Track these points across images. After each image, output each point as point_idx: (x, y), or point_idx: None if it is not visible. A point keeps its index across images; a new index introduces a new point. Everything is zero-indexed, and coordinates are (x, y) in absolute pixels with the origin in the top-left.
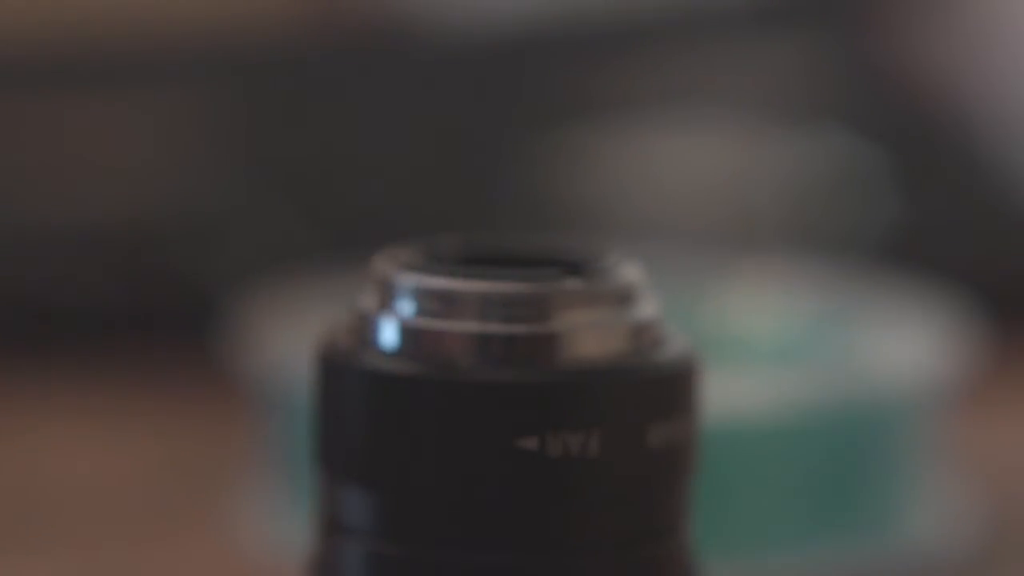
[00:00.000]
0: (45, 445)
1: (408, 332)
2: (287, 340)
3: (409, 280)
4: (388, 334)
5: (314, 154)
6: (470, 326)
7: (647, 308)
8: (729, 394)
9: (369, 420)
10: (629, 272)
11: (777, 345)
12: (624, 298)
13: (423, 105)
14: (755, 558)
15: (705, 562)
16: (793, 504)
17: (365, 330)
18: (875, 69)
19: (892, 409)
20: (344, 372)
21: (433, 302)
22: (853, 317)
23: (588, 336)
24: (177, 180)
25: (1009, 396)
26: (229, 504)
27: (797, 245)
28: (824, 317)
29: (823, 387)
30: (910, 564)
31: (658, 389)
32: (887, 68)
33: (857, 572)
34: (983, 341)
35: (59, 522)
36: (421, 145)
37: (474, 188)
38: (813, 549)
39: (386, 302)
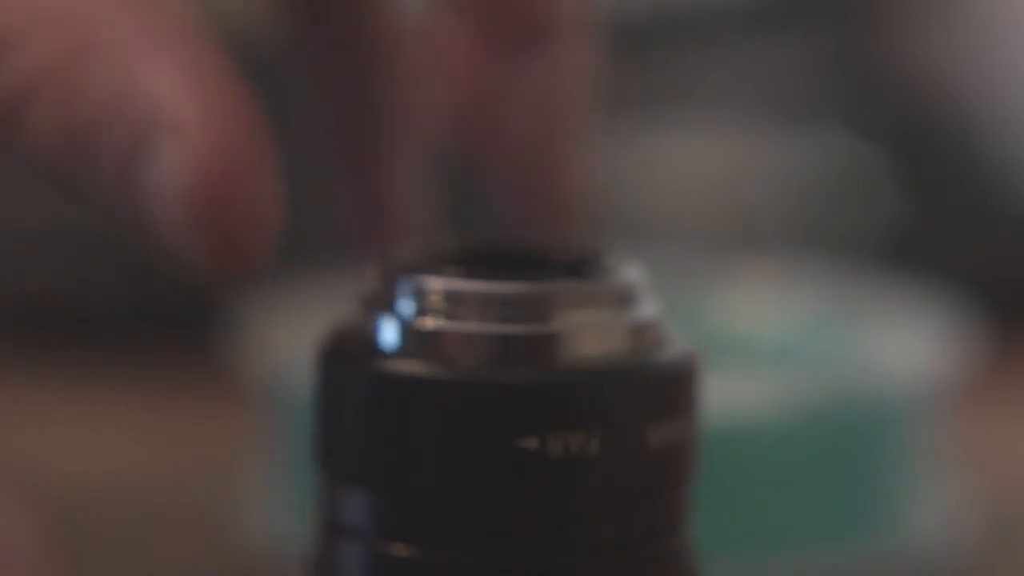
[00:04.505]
0: (45, 445)
1: (408, 332)
2: (287, 340)
3: (409, 280)
4: (388, 334)
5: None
6: (470, 326)
7: (647, 308)
8: (729, 394)
9: (369, 420)
10: (629, 272)
11: (777, 345)
12: (624, 298)
13: None
14: (756, 558)
15: (706, 562)
16: (793, 504)
17: (366, 330)
18: (875, 69)
19: (892, 409)
20: (345, 372)
21: (433, 302)
22: (853, 317)
23: (588, 336)
24: None
25: (1009, 396)
26: (229, 504)
27: (797, 245)
28: (824, 317)
29: (823, 387)
30: (910, 564)
31: (658, 389)
32: (887, 68)
33: (857, 572)
34: (983, 341)
35: (58, 522)
36: None
37: (475, 188)
38: (813, 549)
39: (387, 302)
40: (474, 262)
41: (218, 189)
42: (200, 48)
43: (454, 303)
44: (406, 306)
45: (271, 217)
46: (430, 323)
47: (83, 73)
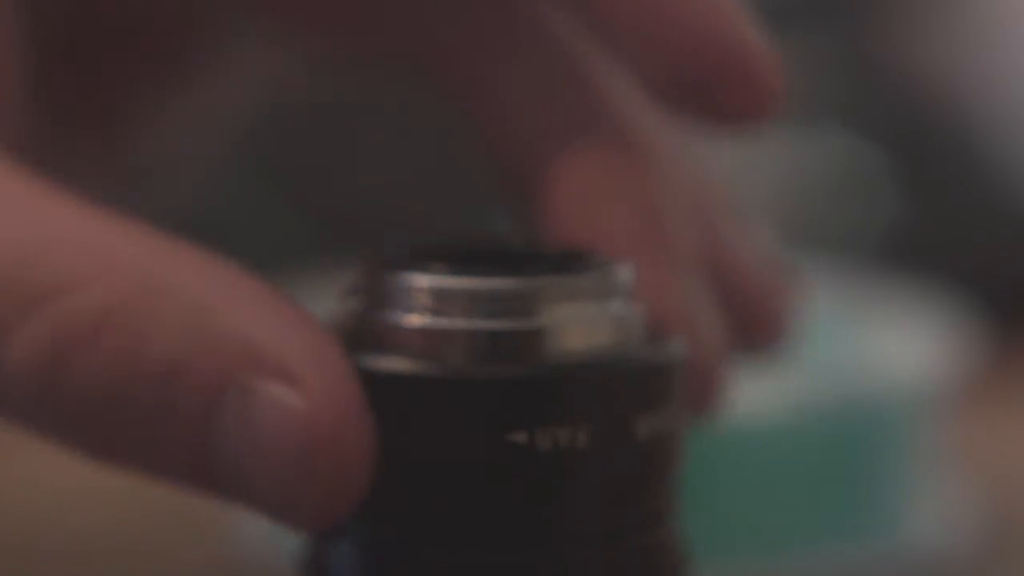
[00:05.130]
0: (44, 447)
1: (397, 330)
2: None
3: (397, 278)
4: (378, 332)
5: (314, 154)
6: (457, 322)
7: (633, 302)
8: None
9: None
10: (615, 266)
11: None
12: (610, 292)
13: (421, 105)
14: (755, 558)
15: (706, 562)
16: (794, 504)
17: (355, 328)
18: (875, 69)
19: (892, 409)
20: None
21: (421, 299)
22: (853, 317)
23: (575, 330)
24: (175, 180)
25: (1009, 396)
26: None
27: (797, 245)
28: (824, 317)
29: (823, 387)
30: (910, 564)
31: (645, 381)
32: (887, 68)
33: (857, 572)
34: (983, 341)
35: (57, 524)
36: (419, 145)
37: (475, 188)
38: (813, 549)
39: (375, 300)
40: (460, 259)
41: (331, 439)
42: (271, 291)
43: (440, 300)
44: (394, 304)
45: (367, 466)
46: (417, 320)
47: (153, 314)
